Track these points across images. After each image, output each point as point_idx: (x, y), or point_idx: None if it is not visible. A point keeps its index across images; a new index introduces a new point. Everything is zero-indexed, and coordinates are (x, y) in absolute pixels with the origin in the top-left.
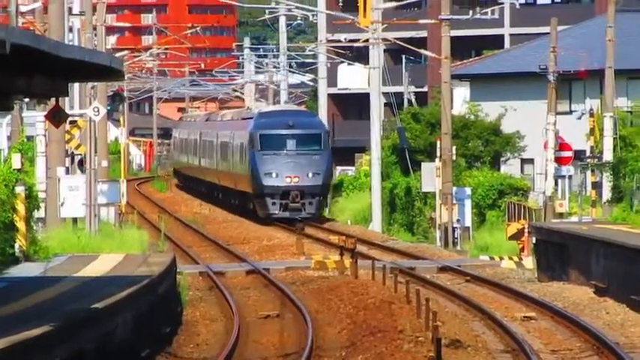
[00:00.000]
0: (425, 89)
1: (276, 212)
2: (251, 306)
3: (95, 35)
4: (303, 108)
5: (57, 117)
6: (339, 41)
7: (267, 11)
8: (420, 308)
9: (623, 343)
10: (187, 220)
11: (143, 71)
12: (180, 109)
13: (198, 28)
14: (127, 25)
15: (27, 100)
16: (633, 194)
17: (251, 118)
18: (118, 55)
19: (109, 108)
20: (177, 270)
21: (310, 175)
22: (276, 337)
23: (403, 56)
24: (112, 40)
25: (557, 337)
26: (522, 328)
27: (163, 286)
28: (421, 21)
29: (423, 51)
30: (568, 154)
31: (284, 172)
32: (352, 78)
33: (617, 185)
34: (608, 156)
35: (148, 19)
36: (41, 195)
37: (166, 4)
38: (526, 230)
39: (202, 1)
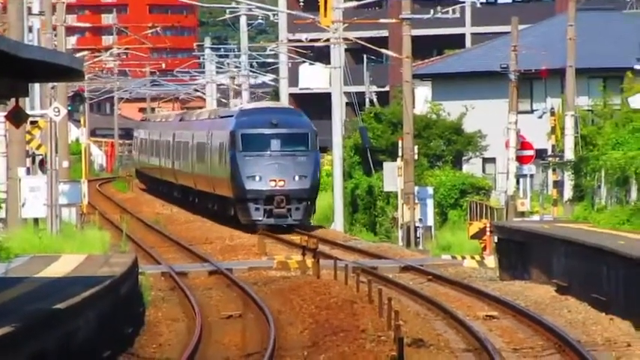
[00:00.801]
0: (386, 89)
1: (260, 219)
2: (213, 306)
3: (55, 35)
4: (287, 105)
5: (17, 117)
6: (300, 41)
7: (227, 11)
8: (383, 307)
9: (584, 341)
10: (149, 221)
11: (104, 71)
12: (141, 109)
13: (158, 28)
14: (87, 25)
15: None
16: (594, 193)
17: (231, 116)
18: (78, 55)
19: (69, 108)
20: (139, 270)
21: (297, 178)
22: (238, 337)
23: (364, 56)
24: (73, 40)
25: (519, 335)
26: (484, 326)
27: (125, 287)
28: (382, 20)
29: (384, 50)
30: (529, 153)
31: (268, 174)
32: (313, 78)
33: (579, 184)
34: (569, 155)
35: (108, 19)
36: (2, 196)
37: (126, 4)
38: (488, 229)
39: (163, 1)
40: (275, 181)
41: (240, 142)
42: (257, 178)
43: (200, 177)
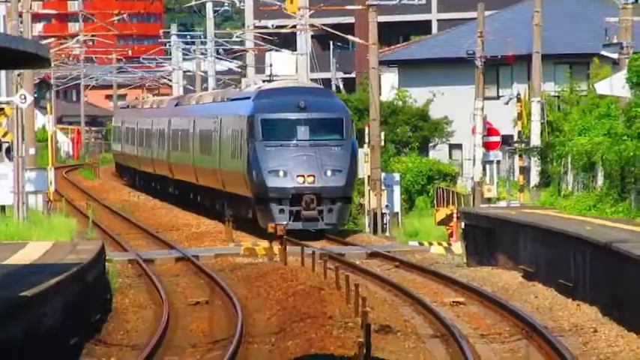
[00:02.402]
0: (353, 75)
1: (285, 222)
2: (180, 293)
3: (21, 22)
4: (315, 84)
5: None
6: (267, 28)
7: None
8: (350, 294)
9: (551, 327)
10: (116, 208)
11: (70, 58)
12: (108, 96)
13: (125, 15)
14: (54, 12)
15: None
16: (561, 179)
17: (247, 98)
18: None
19: (35, 95)
20: (106, 257)
21: (329, 172)
22: (205, 323)
23: (331, 42)
24: (39, 27)
25: (486, 321)
26: (451, 313)
27: (92, 274)
28: (348, 7)
29: (350, 37)
30: (496, 139)
31: (295, 169)
32: (280, 64)
33: (545, 170)
34: (535, 141)
35: (74, 6)
36: None
37: None
38: (455, 215)
39: None
40: (303, 176)
41: (260, 129)
42: (281, 174)
43: (204, 171)
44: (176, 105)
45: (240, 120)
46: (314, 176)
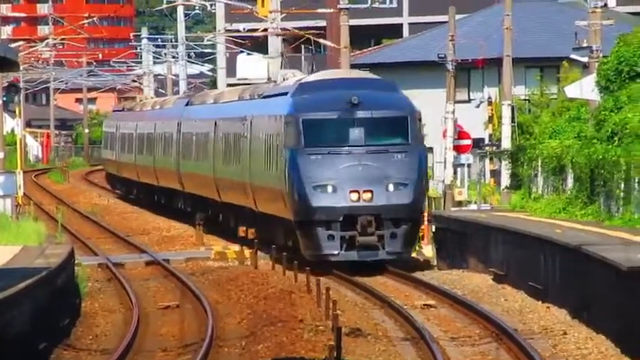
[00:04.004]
0: None
1: (336, 252)
2: (151, 297)
3: None
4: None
5: None
6: (238, 31)
7: (164, 1)
8: (320, 297)
9: (521, 329)
10: (86, 212)
11: (39, 62)
12: (78, 100)
13: (95, 18)
14: (23, 15)
15: None
16: (531, 182)
17: (284, 94)
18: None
19: (4, 99)
20: (76, 262)
21: (391, 187)
22: (176, 327)
23: (302, 46)
24: (8, 30)
25: (456, 324)
26: (422, 315)
27: (61, 278)
28: (320, 10)
29: (322, 40)
30: (467, 142)
31: (347, 183)
32: (251, 68)
33: (516, 173)
34: (506, 144)
35: (44, 8)
36: None
37: None
38: (425, 218)
39: None
40: (358, 192)
41: (302, 132)
42: (329, 189)
43: (230, 185)
44: (187, 104)
45: (276, 121)
46: (372, 192)
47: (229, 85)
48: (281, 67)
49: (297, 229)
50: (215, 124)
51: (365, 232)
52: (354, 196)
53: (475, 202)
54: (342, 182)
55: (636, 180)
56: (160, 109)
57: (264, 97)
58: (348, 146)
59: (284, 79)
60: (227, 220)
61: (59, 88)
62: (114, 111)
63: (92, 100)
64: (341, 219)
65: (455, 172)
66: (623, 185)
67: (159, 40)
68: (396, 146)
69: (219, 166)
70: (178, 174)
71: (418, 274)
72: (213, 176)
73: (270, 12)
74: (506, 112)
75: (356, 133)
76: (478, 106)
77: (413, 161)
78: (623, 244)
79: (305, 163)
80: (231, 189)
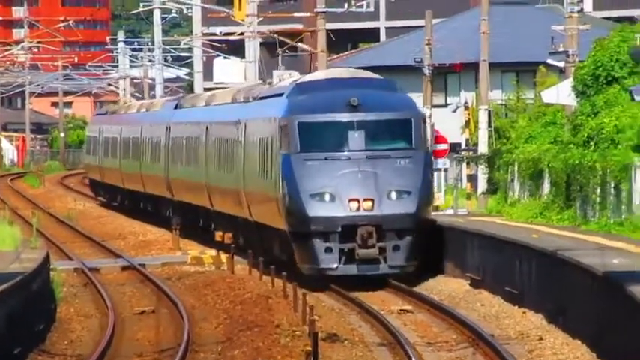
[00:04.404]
0: None
1: (334, 266)
2: (126, 302)
3: None
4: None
5: None
6: (215, 35)
7: (141, 4)
8: (297, 302)
9: (497, 334)
10: (62, 216)
11: (15, 65)
12: (54, 104)
13: (71, 22)
14: None
15: None
16: (508, 186)
17: (280, 94)
18: None
19: None
20: (51, 266)
21: (394, 195)
22: (151, 332)
23: (279, 49)
24: None
25: (433, 329)
26: (399, 321)
27: (36, 283)
28: (297, 14)
29: (299, 44)
30: (444, 147)
31: (346, 191)
32: (228, 72)
33: (492, 178)
34: (483, 148)
35: (19, 12)
36: None
37: None
38: None
39: None
40: (358, 201)
41: (298, 136)
42: (327, 198)
43: (222, 193)
44: (176, 107)
45: (270, 124)
46: (373, 201)
47: (206, 89)
48: (258, 71)
49: (293, 240)
50: (207, 128)
51: (365, 244)
52: (354, 205)
53: (452, 207)
54: (340, 190)
55: (612, 185)
56: (146, 112)
57: (259, 98)
58: (348, 151)
59: (280, 80)
60: (220, 230)
61: (35, 92)
62: (96, 115)
63: (68, 104)
64: (339, 230)
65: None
66: (598, 190)
67: (135, 43)
68: (399, 151)
69: (212, 173)
70: (168, 181)
71: (395, 279)
72: (205, 184)
73: (247, 16)
74: (482, 117)
75: (356, 137)
76: (455, 111)
77: (417, 167)
78: (599, 249)
79: (300, 169)
80: (224, 197)
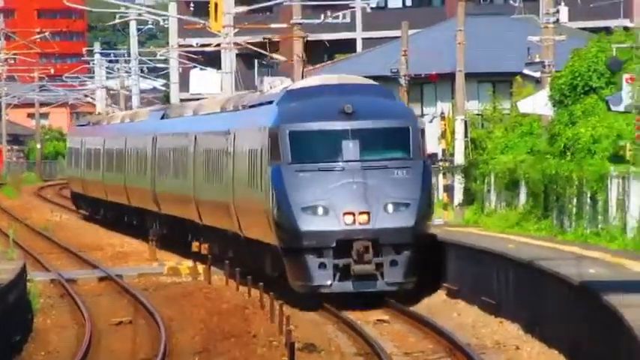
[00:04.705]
0: None
1: (328, 283)
2: (103, 313)
3: None
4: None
5: None
6: (191, 46)
7: (117, 16)
8: (274, 313)
9: (474, 344)
10: (39, 228)
11: None
12: (30, 115)
13: (47, 33)
14: None
15: None
16: (484, 197)
17: (270, 102)
18: None
19: None
20: (28, 278)
21: (391, 208)
22: (128, 343)
23: (255, 61)
24: None
25: (409, 339)
26: (375, 331)
27: (13, 294)
28: (273, 25)
29: (275, 55)
30: None
31: (340, 203)
32: (204, 83)
33: (469, 188)
34: (459, 159)
35: None
36: None
37: (14, 9)
38: None
39: (51, 6)
40: (353, 214)
41: (289, 146)
42: (320, 211)
43: (211, 206)
44: (163, 117)
45: (260, 134)
46: (368, 214)
47: (182, 100)
48: (235, 82)
49: (284, 256)
50: (195, 138)
51: (361, 260)
52: (349, 218)
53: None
54: (334, 203)
55: (588, 195)
56: (131, 123)
57: (249, 107)
58: (342, 161)
59: (270, 87)
60: (211, 246)
61: (11, 103)
62: (78, 125)
63: (44, 115)
64: (334, 245)
65: None
66: (575, 200)
67: (111, 55)
68: (396, 161)
69: (201, 186)
70: (154, 194)
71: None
72: (193, 196)
73: (224, 27)
74: (459, 127)
75: (350, 147)
76: (431, 121)
77: (415, 178)
78: (576, 259)
79: (292, 181)
80: (213, 211)
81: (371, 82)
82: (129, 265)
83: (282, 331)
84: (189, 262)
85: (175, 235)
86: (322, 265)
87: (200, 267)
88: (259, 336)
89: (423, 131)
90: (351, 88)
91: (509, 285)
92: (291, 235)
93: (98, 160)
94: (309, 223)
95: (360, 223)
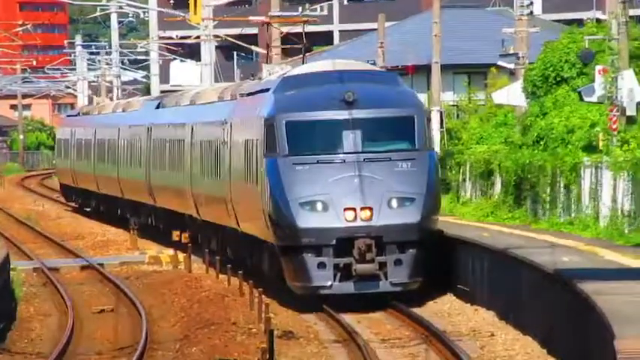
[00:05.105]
0: None
1: (328, 283)
2: (85, 301)
3: None
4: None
5: None
6: (171, 38)
7: (98, 8)
8: (253, 300)
9: (450, 331)
10: (21, 217)
11: None
12: (12, 106)
13: (29, 26)
14: None
15: None
16: (459, 186)
17: (266, 90)
18: None
19: None
20: (11, 266)
21: (395, 203)
22: (110, 331)
23: (234, 53)
24: None
25: (386, 326)
26: (353, 318)
27: None
28: (251, 18)
29: (253, 47)
30: None
31: (341, 199)
32: (184, 74)
33: (444, 177)
34: (435, 149)
35: None
36: None
37: None
38: None
39: None
40: (354, 210)
41: (285, 137)
42: (319, 207)
43: (208, 200)
44: (158, 107)
45: (255, 124)
46: (371, 210)
47: (162, 91)
48: (214, 74)
49: (282, 255)
50: (192, 129)
51: (363, 259)
52: (350, 214)
53: None
54: (334, 198)
55: (562, 184)
56: (123, 113)
57: (246, 95)
58: (342, 153)
59: (270, 74)
60: (208, 242)
61: None
62: (67, 116)
63: (27, 107)
64: (334, 243)
65: None
66: (549, 190)
67: (93, 47)
68: (400, 153)
69: (197, 179)
70: (149, 186)
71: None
72: (190, 190)
73: (203, 20)
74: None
75: (351, 138)
76: None
77: (421, 171)
78: (549, 247)
79: (289, 174)
80: (210, 205)
81: (374, 67)
82: (110, 254)
83: (261, 318)
84: (170, 251)
85: (171, 229)
86: (321, 265)
87: (181, 256)
88: (239, 323)
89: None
90: (352, 75)
91: (484, 273)
92: (289, 233)
93: (89, 151)
94: (307, 220)
95: (362, 220)
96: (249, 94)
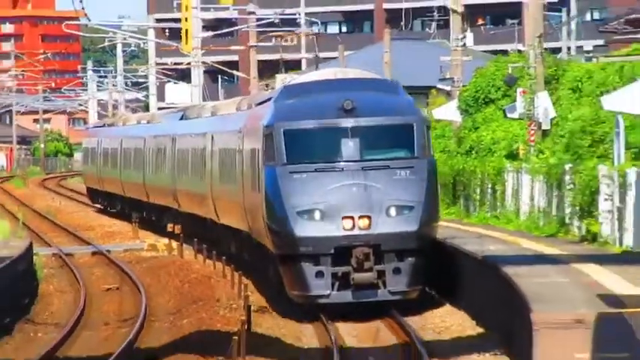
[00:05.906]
0: None
1: (326, 292)
2: (95, 281)
3: None
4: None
5: None
6: (166, 64)
7: (106, 39)
8: (234, 281)
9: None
10: (42, 211)
11: (3, 89)
12: (35, 120)
13: (49, 54)
14: None
15: None
16: None
17: (269, 99)
18: None
19: None
20: (34, 252)
21: (393, 211)
22: (116, 305)
23: (219, 76)
24: None
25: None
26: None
27: (22, 265)
28: (233, 47)
29: (235, 72)
30: None
31: (339, 207)
32: (177, 94)
33: None
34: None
35: (7, 46)
36: None
37: (22, 34)
38: None
39: (52, 32)
40: (352, 219)
41: (283, 145)
42: (317, 215)
43: (227, 205)
44: (182, 118)
45: (258, 133)
46: (369, 218)
47: (159, 108)
48: (202, 94)
49: (280, 264)
50: (212, 138)
51: (361, 268)
52: (348, 223)
53: None
54: (332, 207)
55: (489, 185)
56: (148, 125)
57: (256, 105)
58: (340, 162)
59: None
60: (227, 246)
61: (20, 111)
62: (94, 127)
63: (47, 121)
64: (332, 252)
65: None
66: (479, 190)
67: (101, 71)
68: (399, 161)
69: (217, 185)
70: (174, 191)
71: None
72: (210, 196)
73: (193, 49)
74: None
75: (350, 146)
76: None
77: (420, 179)
78: (479, 237)
79: (287, 183)
80: (228, 210)
81: (373, 75)
82: (116, 242)
83: (241, 296)
84: (165, 240)
85: (195, 233)
86: (319, 274)
87: (174, 244)
88: (222, 300)
89: (428, 128)
90: (351, 83)
91: None
92: (286, 241)
93: (115, 158)
94: (305, 229)
95: (360, 228)
96: (258, 104)
